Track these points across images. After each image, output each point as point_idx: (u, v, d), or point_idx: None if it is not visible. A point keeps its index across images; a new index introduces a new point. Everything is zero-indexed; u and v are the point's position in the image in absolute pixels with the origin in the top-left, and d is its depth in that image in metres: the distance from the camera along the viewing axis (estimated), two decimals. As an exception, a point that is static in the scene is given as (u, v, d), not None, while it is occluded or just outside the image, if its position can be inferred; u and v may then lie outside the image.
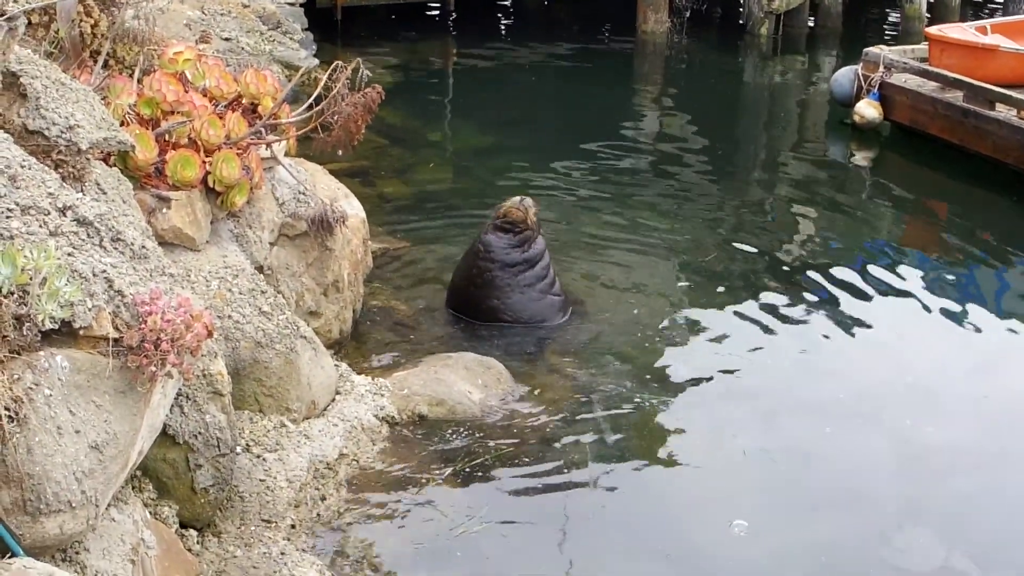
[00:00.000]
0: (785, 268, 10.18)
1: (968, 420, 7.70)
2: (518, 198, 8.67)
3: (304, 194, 7.30)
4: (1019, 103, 12.66)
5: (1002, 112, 12.89)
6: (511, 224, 8.56)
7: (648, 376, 7.93)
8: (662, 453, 7.06)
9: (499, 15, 21.66)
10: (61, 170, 4.79)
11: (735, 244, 10.66)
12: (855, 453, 7.20)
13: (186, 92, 6.47)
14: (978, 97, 13.08)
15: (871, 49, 14.68)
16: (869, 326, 9.06)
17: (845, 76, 14.83)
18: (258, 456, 6.10)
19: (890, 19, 22.72)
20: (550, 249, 8.95)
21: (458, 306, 8.75)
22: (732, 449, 7.14)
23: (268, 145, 7.08)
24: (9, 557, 3.77)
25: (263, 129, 6.91)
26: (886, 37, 20.48)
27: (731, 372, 8.17)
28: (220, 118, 6.54)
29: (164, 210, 6.13)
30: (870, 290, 9.74)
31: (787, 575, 6.09)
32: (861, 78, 14.46)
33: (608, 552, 6.10)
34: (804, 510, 6.64)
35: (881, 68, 14.27)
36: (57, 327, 4.03)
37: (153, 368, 4.28)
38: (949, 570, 6.18)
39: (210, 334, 4.60)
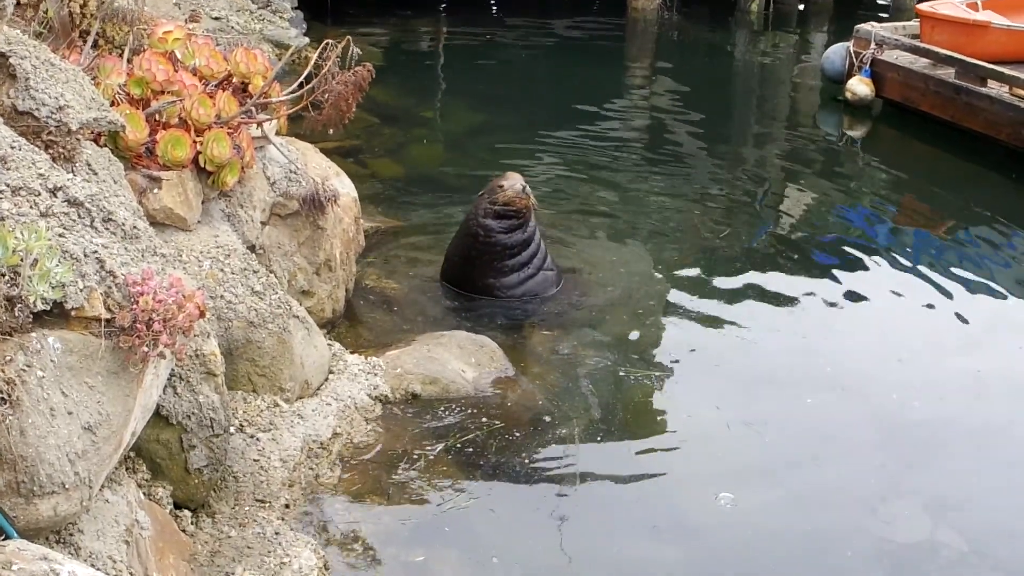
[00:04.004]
0: (775, 244, 10.21)
1: (956, 395, 7.74)
2: (519, 185, 8.52)
3: (295, 173, 7.28)
4: (1011, 79, 12.66)
5: (993, 88, 12.89)
6: (514, 212, 8.53)
7: (636, 351, 7.97)
8: (649, 428, 7.10)
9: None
10: (51, 151, 4.77)
11: (725, 220, 10.68)
12: (840, 427, 7.26)
13: (176, 72, 6.45)
14: (969, 73, 13.08)
15: (862, 26, 14.66)
16: (859, 302, 9.09)
17: (836, 53, 14.82)
18: (252, 436, 6.11)
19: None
20: (543, 225, 8.96)
21: (453, 281, 8.77)
22: (717, 423, 7.19)
23: (259, 124, 7.06)
24: (3, 539, 3.77)
25: (253, 108, 6.89)
26: (877, 14, 20.43)
27: (718, 346, 8.23)
28: (210, 97, 6.51)
29: (155, 190, 6.11)
30: (860, 266, 9.75)
31: (773, 546, 6.14)
32: (852, 55, 14.46)
33: (596, 526, 6.14)
34: (789, 483, 6.67)
35: (872, 45, 14.26)
36: (49, 308, 4.02)
37: (145, 348, 4.27)
38: (935, 542, 6.23)
39: (202, 314, 4.59)
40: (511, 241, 8.55)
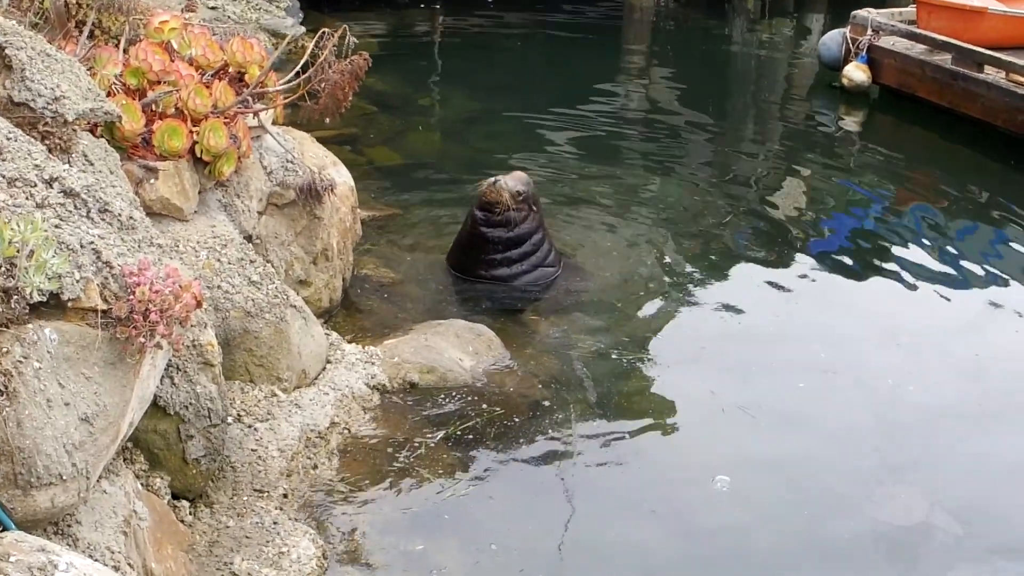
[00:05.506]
0: (772, 230, 10.21)
1: (952, 379, 7.76)
2: (493, 179, 8.67)
3: (292, 162, 7.28)
4: (1007, 65, 12.66)
5: (991, 74, 12.89)
6: (489, 205, 8.61)
7: (632, 336, 8.01)
8: (645, 412, 7.12)
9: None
10: (47, 142, 4.77)
11: (722, 206, 10.69)
12: (835, 411, 7.29)
13: (172, 61, 6.44)
14: (966, 60, 13.08)
15: (859, 12, 14.66)
16: (855, 287, 9.12)
17: (833, 39, 14.81)
18: (249, 426, 6.11)
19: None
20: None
21: (454, 265, 8.86)
22: (713, 407, 7.22)
23: (255, 114, 7.05)
24: (1, 531, 3.77)
25: (250, 98, 6.88)
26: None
27: (714, 331, 8.24)
28: (207, 87, 6.51)
29: (152, 180, 6.11)
30: (856, 252, 9.77)
31: (770, 529, 6.17)
32: (849, 41, 14.45)
33: (594, 510, 6.16)
34: (785, 466, 6.69)
35: (869, 31, 14.25)
36: (45, 299, 4.01)
37: (142, 339, 4.27)
38: (930, 526, 6.26)
39: (199, 304, 4.59)
40: (492, 236, 8.64)
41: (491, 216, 8.60)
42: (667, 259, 9.39)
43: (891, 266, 9.55)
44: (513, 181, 8.65)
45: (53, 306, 4.09)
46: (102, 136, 5.72)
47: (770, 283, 9.07)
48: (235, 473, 5.81)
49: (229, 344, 6.21)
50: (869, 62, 14.22)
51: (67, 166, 4.66)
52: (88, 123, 5.35)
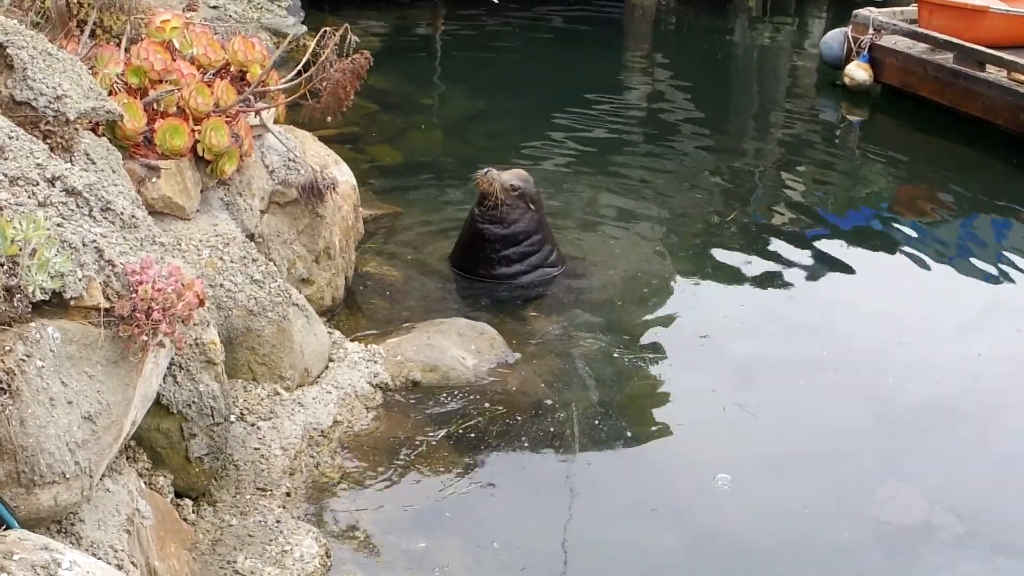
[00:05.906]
0: (775, 229, 10.20)
1: (953, 378, 7.76)
2: (485, 169, 8.67)
3: (294, 161, 7.28)
4: (1009, 64, 12.65)
5: (992, 73, 12.88)
6: (483, 196, 8.62)
7: (634, 335, 8.00)
8: (647, 411, 7.14)
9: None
10: (49, 141, 4.77)
11: (724, 205, 10.69)
12: (837, 410, 7.29)
13: (174, 60, 6.44)
14: (968, 58, 13.07)
15: (861, 11, 14.64)
16: (856, 285, 9.11)
17: (835, 38, 14.80)
18: (252, 424, 6.11)
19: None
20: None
21: (456, 264, 8.86)
22: (714, 405, 7.21)
23: (257, 112, 7.06)
24: (4, 530, 3.77)
25: (252, 96, 6.88)
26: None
27: (715, 329, 8.24)
28: (208, 86, 6.51)
29: (154, 179, 6.11)
30: (858, 250, 9.76)
31: (771, 527, 6.17)
32: (851, 40, 14.43)
33: (595, 509, 6.17)
34: (786, 464, 6.70)
35: (871, 30, 14.23)
36: (48, 298, 4.02)
37: (145, 337, 4.27)
38: (931, 525, 6.25)
39: (202, 303, 4.59)
40: (488, 232, 8.64)
41: (485, 211, 8.60)
42: (669, 257, 9.39)
43: (892, 265, 9.55)
44: (508, 175, 8.64)
45: (56, 304, 4.10)
46: (104, 135, 5.72)
47: (770, 281, 9.08)
48: (238, 471, 5.82)
49: (232, 342, 6.21)
50: (871, 61, 14.21)
51: (69, 165, 4.67)
52: (90, 122, 5.36)
